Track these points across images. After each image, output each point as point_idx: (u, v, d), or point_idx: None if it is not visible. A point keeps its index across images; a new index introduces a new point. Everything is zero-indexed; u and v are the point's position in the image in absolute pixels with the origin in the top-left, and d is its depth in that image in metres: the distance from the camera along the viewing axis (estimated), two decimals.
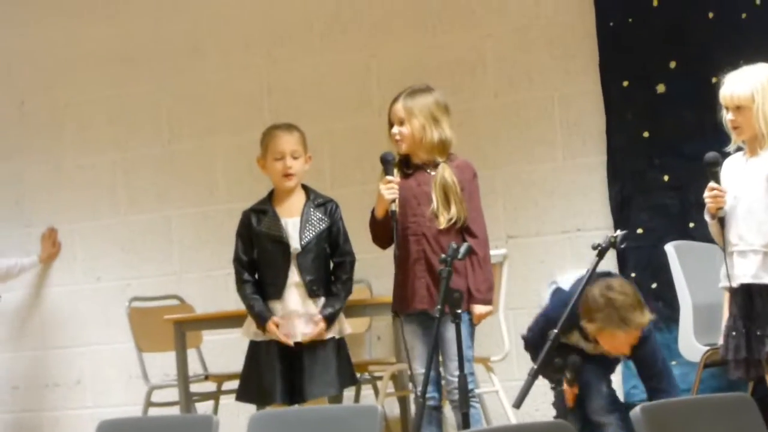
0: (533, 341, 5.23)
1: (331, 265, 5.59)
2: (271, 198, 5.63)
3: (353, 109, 6.99)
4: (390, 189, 5.20)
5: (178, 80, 7.40)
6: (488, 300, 5.23)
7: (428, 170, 5.26)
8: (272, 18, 7.21)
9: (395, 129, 5.28)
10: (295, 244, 5.51)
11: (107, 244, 7.52)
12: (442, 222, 5.20)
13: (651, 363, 5.21)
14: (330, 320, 5.49)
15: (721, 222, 4.92)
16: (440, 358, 5.14)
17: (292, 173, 5.56)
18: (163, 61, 7.43)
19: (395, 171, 5.26)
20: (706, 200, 4.94)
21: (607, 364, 5.38)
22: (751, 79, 4.88)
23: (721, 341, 5.03)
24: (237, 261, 5.61)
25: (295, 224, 5.54)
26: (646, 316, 5.08)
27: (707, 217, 5.00)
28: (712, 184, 4.93)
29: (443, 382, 5.18)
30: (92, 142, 7.59)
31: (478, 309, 5.19)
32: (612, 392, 5.38)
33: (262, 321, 5.49)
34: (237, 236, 5.64)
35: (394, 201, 5.19)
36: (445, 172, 5.23)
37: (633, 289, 5.13)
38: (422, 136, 5.24)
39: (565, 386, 4.95)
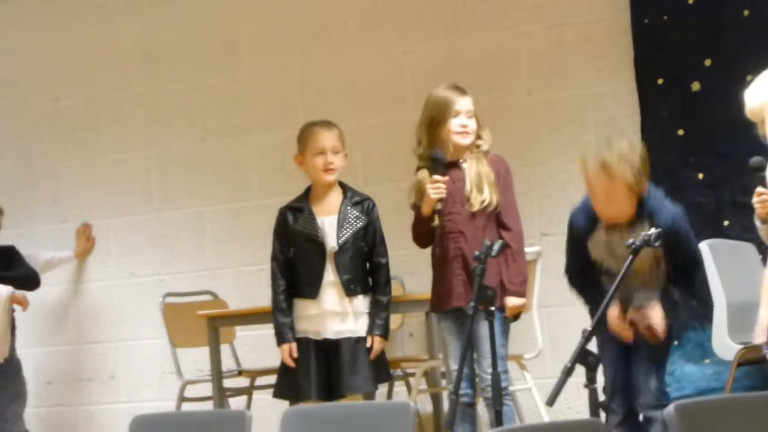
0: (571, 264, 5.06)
1: (367, 265, 5.58)
2: (307, 195, 5.64)
3: (386, 106, 6.99)
4: (437, 189, 5.20)
5: (212, 78, 7.42)
6: (521, 292, 5.22)
7: (461, 167, 5.27)
8: (305, 15, 7.22)
9: (465, 120, 5.26)
10: (332, 243, 5.51)
11: (141, 240, 7.56)
12: (475, 204, 5.19)
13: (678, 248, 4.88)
14: (385, 335, 5.52)
15: None
16: (474, 356, 5.14)
17: (334, 168, 5.58)
18: (196, 59, 7.46)
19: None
20: (756, 205, 4.86)
21: (657, 355, 5.23)
22: (759, 90, 4.83)
23: (759, 339, 4.98)
24: (274, 260, 5.62)
25: (332, 223, 5.54)
26: (629, 172, 4.73)
27: (758, 222, 4.92)
28: (760, 189, 4.85)
29: (477, 379, 5.17)
30: (126, 139, 7.62)
31: (512, 301, 5.18)
32: (662, 387, 5.27)
33: (279, 340, 5.53)
34: (274, 234, 5.65)
35: (440, 200, 5.19)
36: (478, 161, 5.25)
37: (641, 151, 4.82)
38: (478, 133, 5.30)
39: (617, 313, 4.86)
